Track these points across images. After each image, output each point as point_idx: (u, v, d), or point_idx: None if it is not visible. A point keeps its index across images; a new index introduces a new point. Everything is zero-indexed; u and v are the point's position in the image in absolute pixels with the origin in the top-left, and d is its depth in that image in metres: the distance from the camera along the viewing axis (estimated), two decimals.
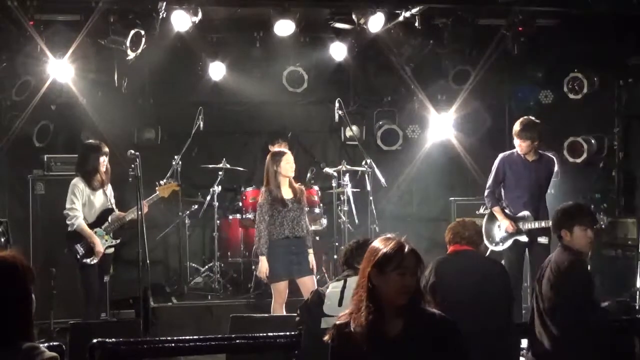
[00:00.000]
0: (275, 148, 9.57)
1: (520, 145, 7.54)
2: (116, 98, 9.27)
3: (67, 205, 7.45)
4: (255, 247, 7.45)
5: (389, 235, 3.39)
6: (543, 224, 7.40)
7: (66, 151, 8.97)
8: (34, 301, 2.84)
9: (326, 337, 3.41)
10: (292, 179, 7.45)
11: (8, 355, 2.71)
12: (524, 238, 7.52)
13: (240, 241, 9.11)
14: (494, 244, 7.64)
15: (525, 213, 7.51)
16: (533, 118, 7.65)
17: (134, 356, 5.06)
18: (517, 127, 7.53)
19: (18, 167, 9.09)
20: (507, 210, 7.62)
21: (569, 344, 4.83)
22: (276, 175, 7.34)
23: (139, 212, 7.18)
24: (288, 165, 7.39)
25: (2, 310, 2.74)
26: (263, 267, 7.26)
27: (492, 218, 7.73)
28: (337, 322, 3.40)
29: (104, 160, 7.56)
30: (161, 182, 7.76)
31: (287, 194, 7.39)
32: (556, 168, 7.94)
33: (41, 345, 2.82)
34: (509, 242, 7.59)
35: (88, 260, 7.44)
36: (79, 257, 7.41)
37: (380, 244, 3.34)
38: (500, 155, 7.77)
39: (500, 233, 7.63)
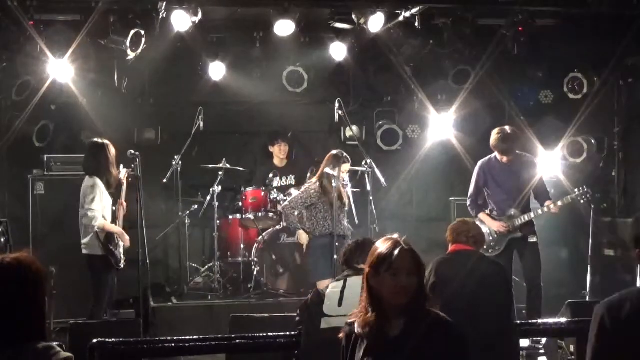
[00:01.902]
0: (275, 148, 9.63)
1: (502, 158, 7.69)
2: (116, 98, 9.28)
3: (86, 205, 7.25)
4: (289, 224, 8.06)
5: (389, 236, 3.36)
6: (532, 215, 7.62)
7: (66, 151, 8.97)
8: (47, 302, 2.86)
9: (340, 335, 3.41)
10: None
11: (25, 354, 2.73)
12: (518, 234, 7.63)
13: (240, 241, 9.11)
14: (490, 250, 7.65)
15: (512, 211, 7.62)
16: (508, 128, 7.73)
17: (134, 356, 5.06)
18: (497, 142, 7.64)
19: (18, 167, 9.09)
20: (494, 214, 7.71)
21: None
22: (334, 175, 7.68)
23: (141, 211, 7.19)
24: (342, 174, 7.86)
25: (17, 310, 2.77)
26: (304, 236, 7.93)
27: (481, 225, 7.76)
28: (348, 321, 3.39)
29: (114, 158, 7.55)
30: (121, 170, 7.66)
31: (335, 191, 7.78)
32: (545, 175, 8.01)
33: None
34: (504, 244, 7.64)
35: (122, 265, 7.43)
36: (118, 262, 7.35)
37: (379, 245, 3.32)
38: (479, 163, 7.91)
39: (492, 236, 7.66)
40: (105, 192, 7.39)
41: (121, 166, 7.57)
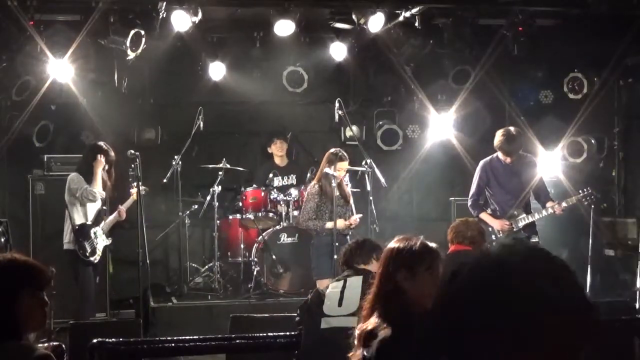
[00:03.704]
0: (273, 147, 9.63)
1: (505, 159, 7.65)
2: (116, 98, 9.27)
3: (78, 194, 7.49)
4: (317, 231, 7.83)
5: (405, 236, 3.21)
6: (537, 216, 7.61)
7: (66, 151, 8.97)
8: (29, 302, 2.85)
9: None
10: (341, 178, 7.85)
11: (1, 352, 2.73)
12: (521, 234, 7.61)
13: (240, 241, 9.11)
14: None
15: (515, 211, 7.63)
16: (512, 128, 7.72)
17: (134, 356, 5.06)
18: (501, 143, 7.58)
19: (18, 167, 9.09)
20: (497, 214, 7.71)
21: None
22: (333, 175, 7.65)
23: (141, 211, 7.21)
24: (340, 172, 7.76)
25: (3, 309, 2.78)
26: (343, 223, 7.70)
27: (483, 225, 7.76)
28: (381, 338, 3.01)
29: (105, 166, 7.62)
30: (133, 183, 7.79)
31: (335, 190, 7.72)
32: (545, 175, 8.00)
33: (39, 344, 2.84)
34: None
35: (92, 259, 7.49)
36: (86, 254, 7.43)
37: (403, 244, 3.12)
38: (481, 163, 7.86)
39: (495, 236, 7.66)
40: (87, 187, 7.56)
41: (143, 188, 7.66)
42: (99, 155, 7.63)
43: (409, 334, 2.83)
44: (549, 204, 7.62)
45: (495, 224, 7.63)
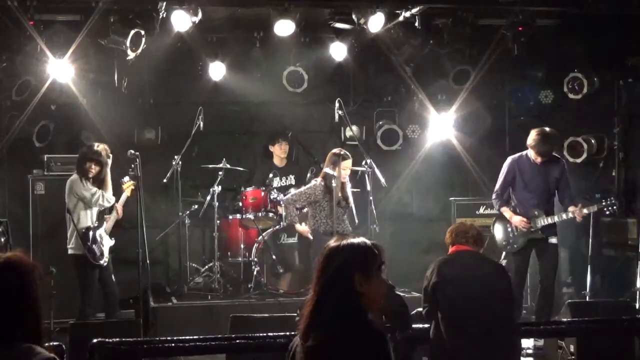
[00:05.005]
0: (276, 147, 9.63)
1: (536, 158, 7.55)
2: (116, 98, 9.28)
3: (86, 195, 7.46)
4: (287, 216, 8.21)
5: (340, 236, 3.03)
6: (556, 218, 7.54)
7: (66, 151, 8.98)
8: (33, 302, 2.84)
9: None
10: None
11: (4, 355, 2.71)
12: (538, 235, 7.54)
13: (240, 241, 9.11)
14: (508, 247, 7.62)
15: (535, 211, 7.53)
16: (547, 129, 7.61)
17: (134, 356, 5.06)
18: (536, 142, 7.48)
19: (18, 167, 9.09)
20: (518, 211, 7.63)
21: None
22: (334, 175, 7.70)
23: (141, 211, 7.20)
24: (344, 171, 7.85)
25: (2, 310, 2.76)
26: (302, 228, 8.20)
27: (502, 221, 7.70)
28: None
29: (90, 166, 7.56)
30: (124, 179, 7.76)
31: (337, 190, 7.75)
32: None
33: (39, 346, 2.82)
34: (522, 243, 7.55)
35: (102, 262, 7.47)
36: (96, 257, 7.41)
37: (348, 245, 2.87)
38: (510, 159, 7.77)
39: (512, 233, 7.60)
40: (86, 187, 7.53)
41: (126, 178, 7.65)
42: (88, 163, 7.56)
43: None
44: (570, 209, 7.51)
45: (514, 220, 7.55)
